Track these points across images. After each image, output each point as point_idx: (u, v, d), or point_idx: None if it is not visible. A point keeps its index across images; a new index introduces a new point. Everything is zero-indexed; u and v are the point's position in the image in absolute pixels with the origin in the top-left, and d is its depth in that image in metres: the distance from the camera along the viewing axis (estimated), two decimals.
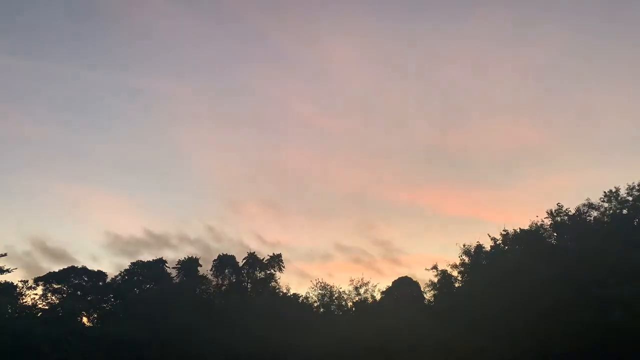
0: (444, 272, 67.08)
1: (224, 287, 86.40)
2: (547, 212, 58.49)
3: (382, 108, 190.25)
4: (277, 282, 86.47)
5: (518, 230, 59.72)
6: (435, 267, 67.36)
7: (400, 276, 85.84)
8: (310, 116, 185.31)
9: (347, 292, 76.43)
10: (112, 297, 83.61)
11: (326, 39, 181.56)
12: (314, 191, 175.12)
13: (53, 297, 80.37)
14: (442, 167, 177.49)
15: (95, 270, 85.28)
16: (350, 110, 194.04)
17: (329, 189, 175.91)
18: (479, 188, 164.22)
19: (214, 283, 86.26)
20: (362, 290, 75.29)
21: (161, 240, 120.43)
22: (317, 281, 78.18)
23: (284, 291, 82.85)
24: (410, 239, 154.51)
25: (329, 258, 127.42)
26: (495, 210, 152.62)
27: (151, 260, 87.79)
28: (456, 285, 67.17)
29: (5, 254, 64.29)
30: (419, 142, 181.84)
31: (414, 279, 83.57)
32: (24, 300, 76.54)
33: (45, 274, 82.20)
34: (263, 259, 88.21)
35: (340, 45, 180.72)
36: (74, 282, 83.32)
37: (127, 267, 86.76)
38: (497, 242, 61.28)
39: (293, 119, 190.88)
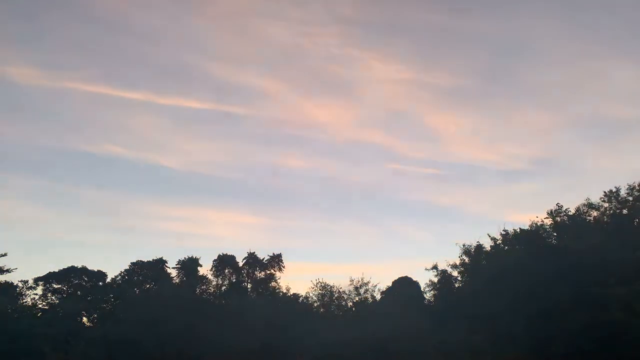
0: (444, 272, 67.11)
1: (224, 287, 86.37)
2: (547, 212, 58.52)
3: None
4: (277, 282, 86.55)
5: (518, 230, 59.71)
6: (435, 267, 67.44)
7: (400, 276, 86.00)
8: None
9: (347, 292, 76.52)
10: (112, 297, 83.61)
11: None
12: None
13: (53, 297, 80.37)
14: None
15: (95, 270, 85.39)
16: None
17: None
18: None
19: (214, 283, 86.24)
20: (362, 290, 75.34)
21: None
22: (317, 281, 78.34)
23: (284, 291, 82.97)
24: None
25: None
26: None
27: (151, 260, 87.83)
28: (456, 285, 67.19)
29: (6, 254, 64.28)
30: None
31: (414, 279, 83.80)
32: (24, 300, 76.56)
33: (45, 273, 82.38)
34: (263, 258, 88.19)
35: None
36: (74, 282, 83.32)
37: (127, 267, 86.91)
38: (497, 242, 61.25)
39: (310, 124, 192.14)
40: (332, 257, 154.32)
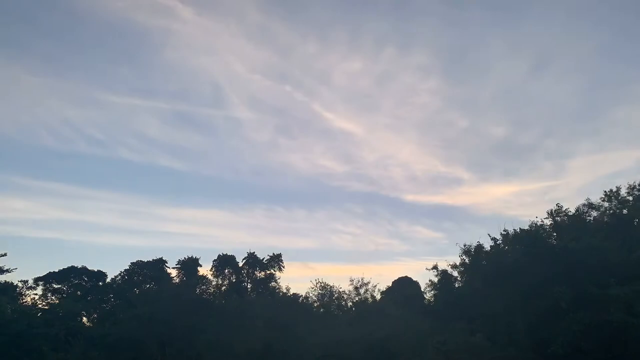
0: (444, 272, 66.97)
1: (224, 287, 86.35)
2: (547, 212, 58.48)
3: None
4: (277, 282, 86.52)
5: (518, 230, 59.58)
6: (435, 267, 67.31)
7: (400, 276, 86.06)
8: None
9: (347, 292, 76.56)
10: (112, 297, 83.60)
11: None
12: None
13: (53, 297, 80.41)
14: None
15: (95, 270, 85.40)
16: None
17: None
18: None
19: (214, 283, 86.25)
20: (362, 290, 75.40)
21: None
22: (317, 281, 78.30)
23: (284, 291, 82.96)
24: None
25: None
26: None
27: (151, 260, 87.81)
28: (456, 285, 67.09)
29: (5, 254, 64.19)
30: None
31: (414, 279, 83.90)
32: (24, 300, 76.51)
33: (45, 273, 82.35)
34: (263, 258, 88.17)
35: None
36: (74, 282, 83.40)
37: (127, 267, 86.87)
38: (497, 242, 61.09)
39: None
40: (334, 257, 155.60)
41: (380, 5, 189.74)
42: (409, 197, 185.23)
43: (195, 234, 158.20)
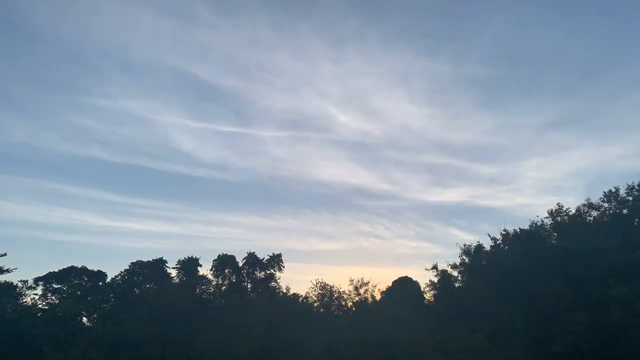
0: (444, 272, 66.94)
1: (224, 287, 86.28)
2: (547, 212, 58.50)
3: None
4: (277, 282, 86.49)
5: (518, 230, 59.59)
6: (435, 267, 67.27)
7: (401, 276, 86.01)
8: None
9: (347, 292, 76.47)
10: (112, 297, 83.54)
11: None
12: None
13: (53, 297, 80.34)
14: None
15: (95, 270, 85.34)
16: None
17: None
18: None
19: (214, 283, 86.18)
20: (362, 290, 75.26)
21: None
22: (317, 281, 78.22)
23: (284, 291, 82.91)
24: None
25: None
26: None
27: (151, 260, 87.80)
28: (456, 285, 67.06)
29: (5, 254, 64.18)
30: None
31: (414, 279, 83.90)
32: (24, 300, 76.48)
33: (45, 273, 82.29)
34: (263, 258, 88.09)
35: None
36: (74, 282, 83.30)
37: (127, 267, 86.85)
38: (497, 242, 61.11)
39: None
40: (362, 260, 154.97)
41: (394, 5, 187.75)
42: (438, 198, 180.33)
43: (198, 236, 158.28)
